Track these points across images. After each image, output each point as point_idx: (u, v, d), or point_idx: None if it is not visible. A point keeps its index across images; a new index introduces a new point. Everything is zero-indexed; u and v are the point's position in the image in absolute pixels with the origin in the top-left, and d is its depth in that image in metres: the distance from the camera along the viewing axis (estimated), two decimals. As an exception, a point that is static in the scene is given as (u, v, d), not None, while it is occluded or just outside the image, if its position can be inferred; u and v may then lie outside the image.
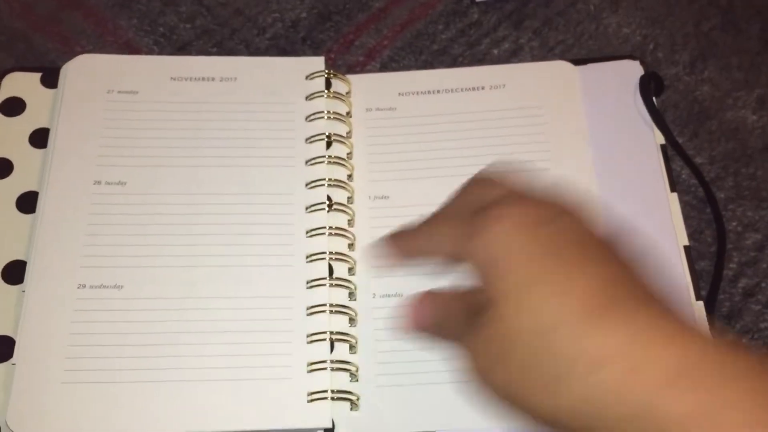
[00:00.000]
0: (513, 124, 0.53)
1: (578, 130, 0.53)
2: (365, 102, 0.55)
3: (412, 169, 0.52)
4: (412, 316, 0.38)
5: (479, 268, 0.35)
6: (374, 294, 0.49)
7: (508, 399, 0.34)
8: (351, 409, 0.46)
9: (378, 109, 0.54)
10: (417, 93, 0.55)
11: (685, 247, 0.50)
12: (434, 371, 0.46)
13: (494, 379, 0.35)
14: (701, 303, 0.48)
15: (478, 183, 0.39)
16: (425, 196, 0.51)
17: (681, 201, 0.52)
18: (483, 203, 0.37)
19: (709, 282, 0.50)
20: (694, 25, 0.60)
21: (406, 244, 0.43)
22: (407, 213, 0.50)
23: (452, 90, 0.55)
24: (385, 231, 0.50)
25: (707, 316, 0.48)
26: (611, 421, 0.30)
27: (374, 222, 0.51)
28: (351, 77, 0.56)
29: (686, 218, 0.51)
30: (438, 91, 0.55)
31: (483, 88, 0.55)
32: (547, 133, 0.53)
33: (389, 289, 0.49)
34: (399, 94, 0.55)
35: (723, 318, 0.50)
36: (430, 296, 0.38)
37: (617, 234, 0.36)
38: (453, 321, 0.37)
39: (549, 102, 0.53)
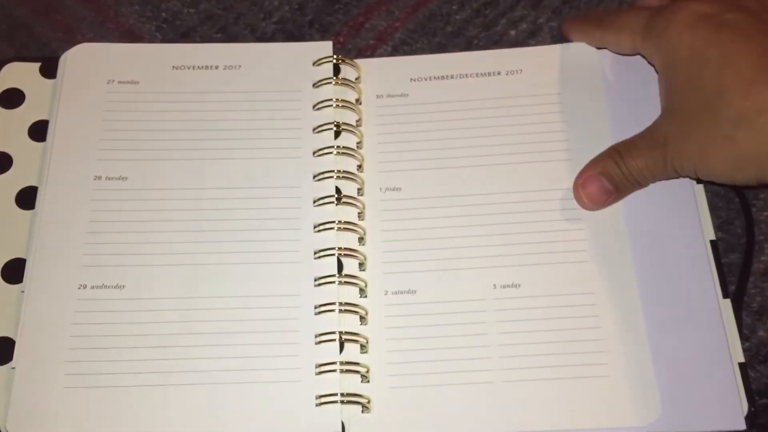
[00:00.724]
0: (531, 111, 0.51)
1: (599, 116, 0.50)
2: (376, 88, 0.53)
3: (426, 159, 0.50)
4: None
5: (656, 65, 0.46)
6: (386, 291, 0.47)
7: (697, 168, 0.44)
8: (362, 411, 0.44)
9: (389, 95, 0.53)
10: (430, 78, 0.53)
11: (712, 242, 0.47)
12: (449, 372, 0.45)
13: (683, 158, 0.44)
14: (728, 301, 0.46)
15: None
16: (439, 188, 0.50)
17: (707, 191, 0.49)
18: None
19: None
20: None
21: (590, 27, 0.51)
22: (420, 205, 0.49)
23: (467, 75, 0.53)
24: (397, 224, 0.49)
25: (734, 313, 0.46)
26: None
27: (385, 215, 0.49)
28: (360, 62, 0.54)
29: (713, 209, 0.49)
30: (452, 77, 0.53)
31: (499, 73, 0.52)
32: (567, 121, 0.51)
33: (401, 286, 0.47)
34: (411, 79, 0.53)
35: (754, 314, 0.47)
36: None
37: None
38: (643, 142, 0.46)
39: (568, 87, 0.51)
